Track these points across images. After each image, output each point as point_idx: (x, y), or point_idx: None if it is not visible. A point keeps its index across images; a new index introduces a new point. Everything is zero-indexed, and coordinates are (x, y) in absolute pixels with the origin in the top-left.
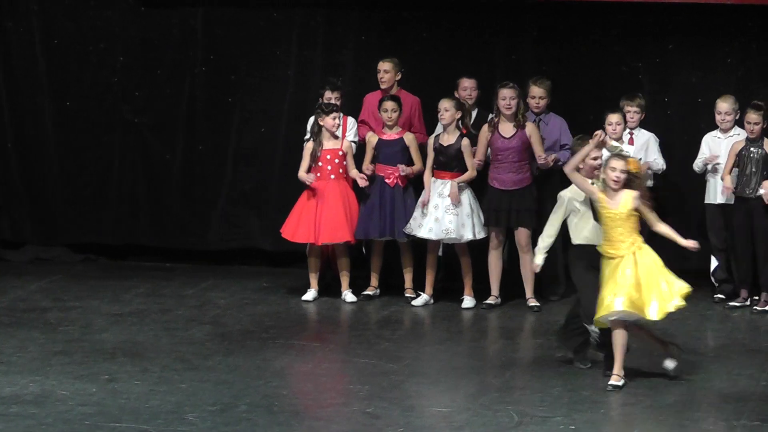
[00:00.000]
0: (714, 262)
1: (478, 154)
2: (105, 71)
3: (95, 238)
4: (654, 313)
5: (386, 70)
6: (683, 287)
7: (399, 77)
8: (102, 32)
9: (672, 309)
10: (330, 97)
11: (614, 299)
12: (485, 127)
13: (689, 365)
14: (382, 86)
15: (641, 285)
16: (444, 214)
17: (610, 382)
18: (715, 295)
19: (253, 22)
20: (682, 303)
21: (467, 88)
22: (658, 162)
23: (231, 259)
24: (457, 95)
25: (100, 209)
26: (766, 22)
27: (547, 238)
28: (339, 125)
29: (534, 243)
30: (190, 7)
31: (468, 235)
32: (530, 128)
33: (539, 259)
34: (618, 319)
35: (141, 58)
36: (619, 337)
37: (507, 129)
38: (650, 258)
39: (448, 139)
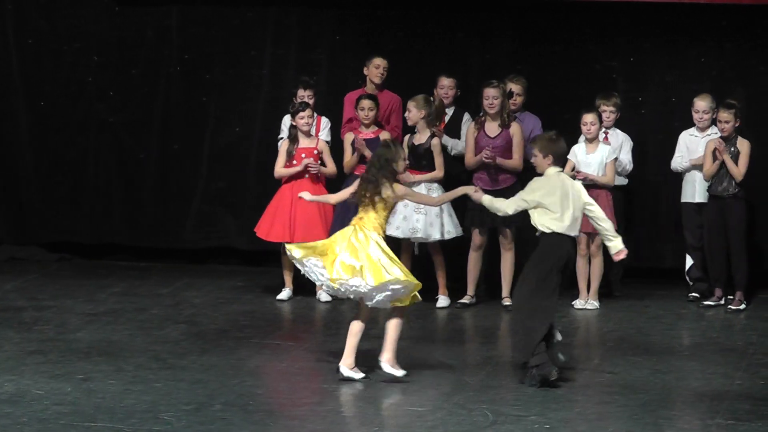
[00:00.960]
0: (689, 261)
1: (467, 153)
2: (80, 71)
3: (70, 237)
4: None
5: (386, 67)
6: None
7: (386, 76)
8: (77, 32)
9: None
10: (302, 95)
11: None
12: (472, 125)
13: (664, 363)
14: (377, 81)
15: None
16: (412, 213)
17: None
18: (690, 294)
19: (228, 22)
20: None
21: (444, 86)
22: (624, 161)
23: (206, 258)
24: (435, 93)
25: (75, 208)
26: (740, 21)
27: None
28: (310, 124)
29: (518, 241)
30: (165, 6)
31: (436, 235)
32: (514, 129)
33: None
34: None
35: (116, 57)
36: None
37: (492, 128)
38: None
39: (420, 138)
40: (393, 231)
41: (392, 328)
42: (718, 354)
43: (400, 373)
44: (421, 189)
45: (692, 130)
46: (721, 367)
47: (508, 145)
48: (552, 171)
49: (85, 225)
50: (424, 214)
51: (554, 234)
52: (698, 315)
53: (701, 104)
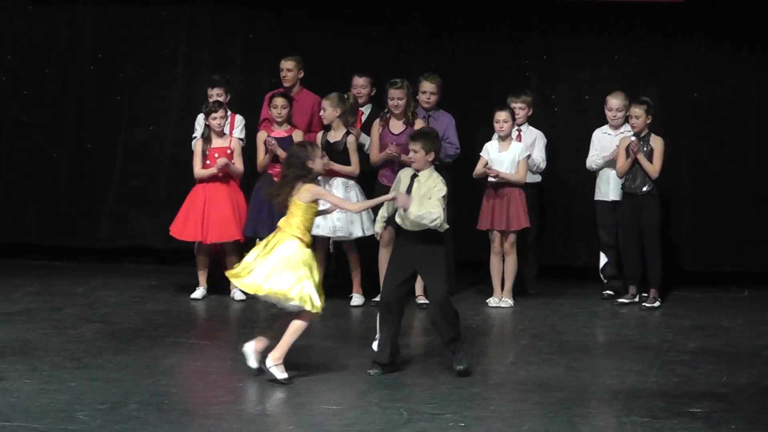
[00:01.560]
0: (603, 259)
1: (372, 149)
2: None
3: None
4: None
5: (289, 69)
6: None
7: (301, 75)
8: None
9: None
10: (212, 94)
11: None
12: (376, 122)
13: (579, 361)
14: (286, 84)
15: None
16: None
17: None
18: (604, 292)
19: (142, 20)
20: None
21: (358, 85)
22: (537, 159)
23: (120, 257)
24: (350, 92)
25: None
26: (653, 18)
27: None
28: (223, 124)
29: None
30: (78, 5)
31: (357, 232)
32: (419, 125)
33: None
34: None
35: (29, 56)
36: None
37: (396, 125)
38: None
39: (335, 136)
40: (314, 230)
41: (293, 329)
42: (632, 352)
43: (281, 375)
44: (339, 187)
45: (605, 128)
46: (636, 364)
47: None
48: (432, 168)
49: None
50: (343, 212)
51: (447, 229)
52: (613, 313)
53: (614, 102)
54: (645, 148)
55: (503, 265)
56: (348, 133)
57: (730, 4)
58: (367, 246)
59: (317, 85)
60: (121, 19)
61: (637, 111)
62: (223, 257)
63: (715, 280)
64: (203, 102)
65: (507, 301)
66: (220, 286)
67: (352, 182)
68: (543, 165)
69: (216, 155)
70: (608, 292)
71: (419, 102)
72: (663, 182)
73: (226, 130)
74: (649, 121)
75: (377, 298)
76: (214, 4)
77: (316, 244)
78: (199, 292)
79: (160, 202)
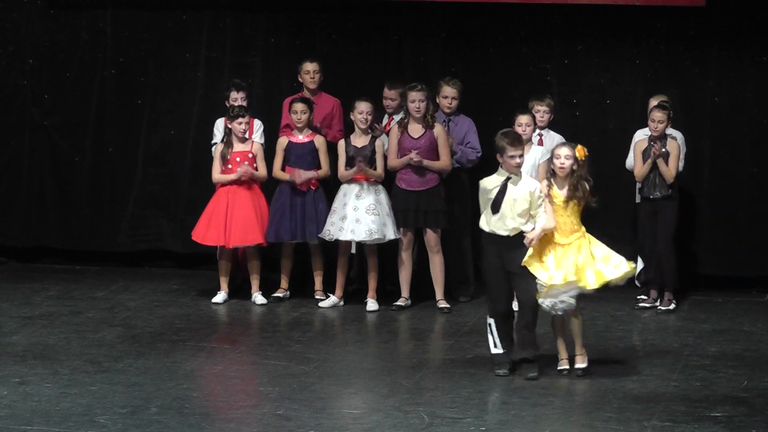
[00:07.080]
0: (639, 264)
1: (390, 154)
2: (14, 74)
3: (4, 240)
4: (592, 281)
5: (316, 71)
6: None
7: (321, 78)
8: (10, 35)
9: (609, 278)
10: (236, 97)
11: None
12: (395, 127)
13: (599, 366)
14: (311, 86)
15: (580, 268)
16: (365, 215)
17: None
18: (638, 297)
19: (162, 24)
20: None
21: (387, 97)
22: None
23: (140, 260)
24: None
25: (9, 211)
26: (674, 23)
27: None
28: (246, 129)
29: (444, 243)
30: (99, 9)
31: (390, 234)
32: (438, 130)
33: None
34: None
35: (50, 60)
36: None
37: (415, 129)
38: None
39: (362, 141)
40: (348, 235)
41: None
42: (653, 356)
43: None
44: (371, 192)
45: (647, 130)
46: (656, 368)
47: (432, 146)
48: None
49: (19, 228)
50: (377, 215)
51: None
52: (633, 316)
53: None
54: (662, 150)
55: None
56: (374, 137)
57: (751, 9)
58: (385, 250)
59: (337, 89)
60: (141, 23)
61: (660, 115)
62: (243, 261)
63: (735, 285)
64: (224, 106)
65: None
66: (240, 290)
67: (380, 186)
68: None
69: (238, 159)
70: (642, 297)
71: (440, 107)
72: (682, 186)
73: (246, 134)
74: (669, 125)
75: (398, 302)
76: (235, 8)
77: (341, 248)
78: (220, 297)
79: (180, 206)
